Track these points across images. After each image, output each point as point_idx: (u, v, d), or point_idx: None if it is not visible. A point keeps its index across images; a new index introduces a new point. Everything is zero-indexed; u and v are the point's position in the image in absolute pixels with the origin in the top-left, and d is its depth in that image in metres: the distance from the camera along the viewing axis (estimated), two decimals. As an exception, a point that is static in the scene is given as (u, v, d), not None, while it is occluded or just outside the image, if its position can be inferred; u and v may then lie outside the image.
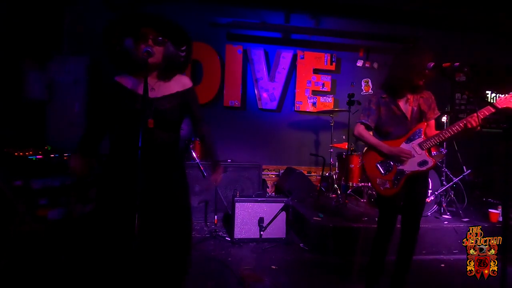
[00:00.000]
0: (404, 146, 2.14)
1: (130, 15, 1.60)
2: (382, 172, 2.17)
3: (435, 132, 2.17)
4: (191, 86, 1.76)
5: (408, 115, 2.17)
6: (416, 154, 2.12)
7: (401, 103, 2.18)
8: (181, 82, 1.72)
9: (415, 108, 2.17)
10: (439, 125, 3.45)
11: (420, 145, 2.12)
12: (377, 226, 2.25)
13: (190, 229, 1.80)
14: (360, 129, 2.26)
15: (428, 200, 3.59)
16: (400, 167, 2.13)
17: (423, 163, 2.11)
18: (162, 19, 1.60)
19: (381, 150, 2.17)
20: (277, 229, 3.41)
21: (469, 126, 1.95)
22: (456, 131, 2.01)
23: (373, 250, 2.26)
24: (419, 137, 2.14)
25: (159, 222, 1.61)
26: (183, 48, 1.69)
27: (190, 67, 4.83)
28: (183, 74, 1.77)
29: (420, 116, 2.18)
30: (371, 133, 2.30)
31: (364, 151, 2.32)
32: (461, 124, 1.99)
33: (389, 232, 2.21)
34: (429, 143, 2.11)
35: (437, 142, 2.11)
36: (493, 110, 1.94)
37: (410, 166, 2.12)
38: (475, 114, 1.94)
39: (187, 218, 1.74)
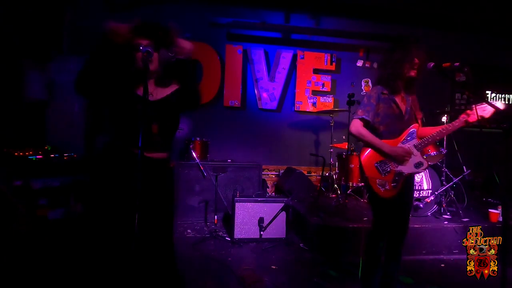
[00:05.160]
0: (401, 146, 2.12)
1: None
2: (382, 172, 2.12)
3: (424, 131, 2.17)
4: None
5: (405, 113, 2.15)
6: (412, 155, 2.11)
7: (398, 101, 2.15)
8: (175, 84, 1.75)
9: (409, 108, 2.17)
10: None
11: (415, 146, 2.11)
12: (374, 228, 2.22)
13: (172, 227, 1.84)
14: (359, 126, 2.13)
15: (428, 200, 3.59)
16: (399, 168, 2.10)
17: (419, 164, 2.10)
18: (149, 25, 1.62)
19: (382, 150, 2.09)
20: (277, 229, 3.41)
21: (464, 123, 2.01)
22: (450, 131, 2.05)
23: (370, 251, 2.24)
24: (414, 138, 2.12)
25: (151, 220, 1.64)
26: (172, 48, 1.70)
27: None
28: None
29: (411, 116, 2.18)
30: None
31: (361, 150, 2.22)
32: (455, 124, 2.03)
33: (386, 233, 2.20)
34: (424, 144, 2.11)
35: (432, 142, 2.14)
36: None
37: (408, 168, 2.10)
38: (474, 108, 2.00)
39: (171, 216, 1.80)
